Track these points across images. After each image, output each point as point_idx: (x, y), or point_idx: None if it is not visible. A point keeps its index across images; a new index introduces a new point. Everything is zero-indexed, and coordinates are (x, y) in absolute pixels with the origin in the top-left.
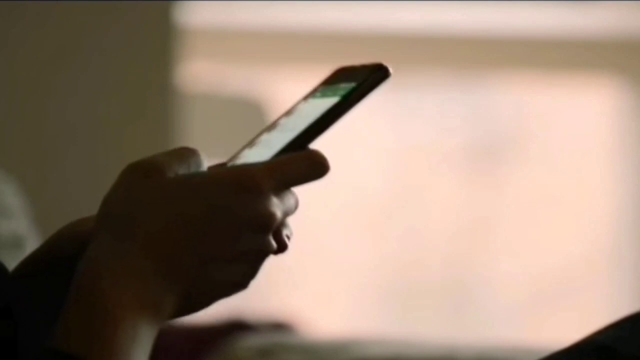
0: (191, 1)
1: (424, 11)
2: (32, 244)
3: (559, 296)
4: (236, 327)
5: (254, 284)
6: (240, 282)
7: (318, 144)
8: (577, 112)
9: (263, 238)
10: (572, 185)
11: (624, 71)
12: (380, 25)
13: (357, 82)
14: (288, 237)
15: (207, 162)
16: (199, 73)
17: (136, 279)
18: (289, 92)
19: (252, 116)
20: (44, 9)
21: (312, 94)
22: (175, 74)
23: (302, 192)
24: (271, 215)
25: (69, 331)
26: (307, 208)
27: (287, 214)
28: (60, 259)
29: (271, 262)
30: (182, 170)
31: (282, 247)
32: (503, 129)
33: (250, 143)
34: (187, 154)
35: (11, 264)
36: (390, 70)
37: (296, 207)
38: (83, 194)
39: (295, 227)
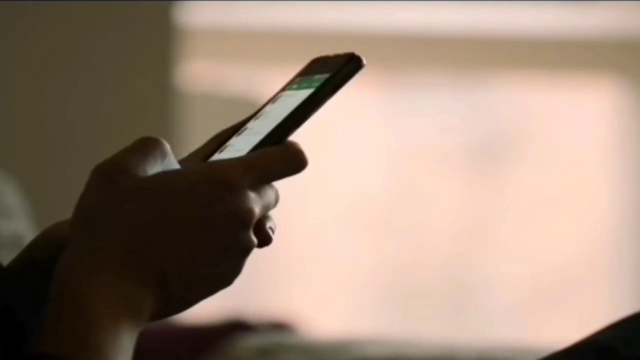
0: (191, 1)
1: (424, 11)
2: None
3: (559, 296)
4: (236, 327)
5: (255, 284)
6: (222, 280)
7: (317, 145)
8: (577, 112)
9: (243, 234)
10: (572, 185)
11: (624, 71)
12: (380, 25)
13: (330, 73)
14: (272, 230)
15: (171, 152)
16: (199, 73)
17: (113, 283)
18: None
19: None
20: (44, 9)
21: (290, 85)
22: (175, 74)
23: (302, 192)
24: (249, 211)
25: (53, 336)
26: (307, 208)
27: (267, 208)
28: (41, 262)
29: (271, 263)
30: (150, 166)
31: (266, 241)
32: (503, 129)
33: (224, 145)
34: (151, 148)
35: None
36: (364, 60)
37: (277, 201)
38: None
39: (296, 227)
